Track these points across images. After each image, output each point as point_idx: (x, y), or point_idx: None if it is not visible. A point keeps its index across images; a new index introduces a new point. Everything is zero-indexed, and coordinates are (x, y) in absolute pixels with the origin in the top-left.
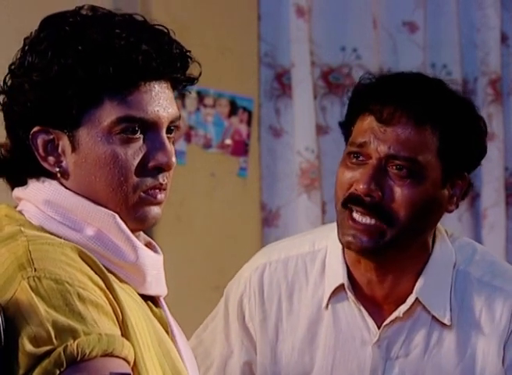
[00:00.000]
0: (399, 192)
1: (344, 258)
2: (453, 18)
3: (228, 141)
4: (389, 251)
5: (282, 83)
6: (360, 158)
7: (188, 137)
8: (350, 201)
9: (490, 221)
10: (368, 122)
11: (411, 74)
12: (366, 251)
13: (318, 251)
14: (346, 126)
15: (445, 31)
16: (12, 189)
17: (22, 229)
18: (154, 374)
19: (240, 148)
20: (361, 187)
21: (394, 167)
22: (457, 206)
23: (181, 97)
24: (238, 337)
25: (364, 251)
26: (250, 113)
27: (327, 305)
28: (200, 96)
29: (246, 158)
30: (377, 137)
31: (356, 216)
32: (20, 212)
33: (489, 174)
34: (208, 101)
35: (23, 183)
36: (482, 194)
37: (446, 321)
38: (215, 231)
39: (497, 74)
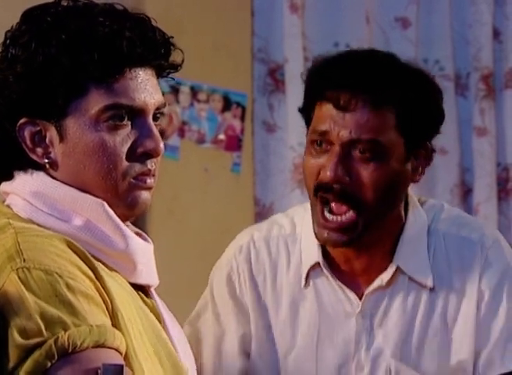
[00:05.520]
0: (365, 175)
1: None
2: (445, 14)
3: (221, 137)
4: (364, 236)
5: (275, 78)
6: (323, 145)
7: (181, 133)
8: (320, 190)
9: (482, 216)
10: (325, 109)
11: (362, 53)
12: (342, 245)
13: (299, 234)
14: (306, 113)
15: (437, 27)
16: None
17: (10, 221)
18: (146, 363)
19: (234, 144)
20: (328, 174)
21: (357, 151)
22: (423, 174)
23: (175, 92)
24: (230, 313)
25: (340, 246)
26: (243, 109)
27: (306, 283)
28: (194, 91)
29: (239, 153)
30: (337, 123)
31: (327, 214)
32: (8, 206)
33: (482, 169)
34: (202, 96)
35: (9, 177)
36: (475, 189)
37: (429, 284)
38: (208, 227)
39: (489, 69)
